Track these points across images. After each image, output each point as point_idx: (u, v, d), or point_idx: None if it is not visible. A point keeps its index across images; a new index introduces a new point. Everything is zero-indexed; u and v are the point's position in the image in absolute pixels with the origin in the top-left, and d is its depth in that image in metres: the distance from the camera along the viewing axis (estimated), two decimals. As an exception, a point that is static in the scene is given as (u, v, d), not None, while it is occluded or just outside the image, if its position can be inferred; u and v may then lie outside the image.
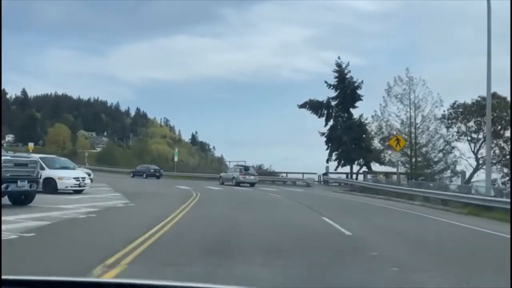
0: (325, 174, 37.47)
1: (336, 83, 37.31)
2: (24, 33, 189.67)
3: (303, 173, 37.70)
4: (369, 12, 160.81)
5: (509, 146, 29.31)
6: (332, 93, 37.88)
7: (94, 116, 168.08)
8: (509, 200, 14.09)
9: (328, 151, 37.72)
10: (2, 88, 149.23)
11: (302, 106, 38.24)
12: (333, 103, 37.74)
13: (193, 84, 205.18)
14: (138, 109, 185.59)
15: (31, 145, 64.78)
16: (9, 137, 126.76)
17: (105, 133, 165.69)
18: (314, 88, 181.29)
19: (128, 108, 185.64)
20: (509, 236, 9.45)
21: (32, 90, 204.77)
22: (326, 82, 37.53)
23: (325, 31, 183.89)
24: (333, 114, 37.52)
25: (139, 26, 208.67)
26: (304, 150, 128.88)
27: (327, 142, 37.81)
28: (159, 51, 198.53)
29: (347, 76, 37.07)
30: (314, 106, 37.75)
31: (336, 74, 37.21)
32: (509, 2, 16.88)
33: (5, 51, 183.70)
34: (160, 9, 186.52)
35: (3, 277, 1.38)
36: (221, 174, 35.00)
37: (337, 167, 37.19)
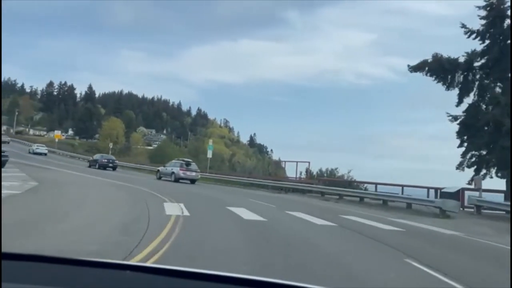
0: (458, 191, 19.93)
1: (484, 28, 20.27)
2: (99, 34, 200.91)
3: (428, 187, 21.17)
4: (441, 16, 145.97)
5: None
6: (475, 45, 20.91)
7: (155, 114, 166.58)
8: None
9: (461, 148, 20.74)
10: (71, 83, 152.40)
11: (417, 68, 21.69)
12: (476, 63, 20.77)
13: (254, 86, 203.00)
14: (199, 109, 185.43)
15: (57, 133, 55.32)
16: (72, 131, 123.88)
17: (164, 131, 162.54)
18: (380, 93, 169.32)
19: (190, 107, 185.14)
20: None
21: (101, 87, 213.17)
22: (463, 26, 20.62)
23: (391, 35, 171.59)
24: (477, 81, 20.57)
25: (206, 29, 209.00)
26: (369, 159, 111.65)
27: (461, 133, 20.91)
28: (223, 54, 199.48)
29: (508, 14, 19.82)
30: (439, 69, 21.03)
31: (485, 13, 20.14)
32: None
33: (80, 52, 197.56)
34: (226, 13, 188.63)
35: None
36: (159, 168, 30.47)
37: (483, 177, 19.90)
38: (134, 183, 21.13)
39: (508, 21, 19.93)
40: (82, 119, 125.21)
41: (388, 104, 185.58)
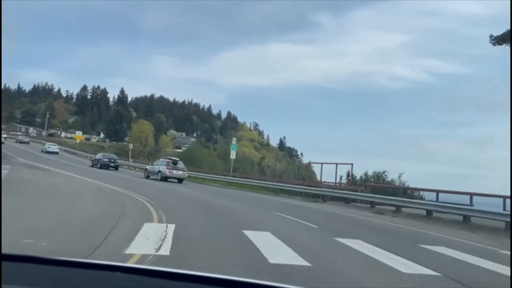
0: None
1: None
2: (134, 41, 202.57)
3: (503, 197, 15.64)
4: (476, 16, 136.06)
5: None
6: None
7: (186, 117, 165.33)
8: None
9: None
10: (104, 87, 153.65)
11: (501, 39, 16.16)
12: None
13: (284, 90, 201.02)
14: (229, 113, 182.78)
15: (78, 134, 52.82)
16: (103, 134, 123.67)
17: (194, 134, 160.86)
18: (413, 95, 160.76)
19: (220, 111, 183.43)
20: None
21: (133, 92, 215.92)
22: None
23: (424, 36, 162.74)
24: None
25: (237, 33, 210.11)
26: (406, 162, 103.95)
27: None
28: (254, 57, 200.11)
29: None
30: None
31: None
32: None
33: (114, 57, 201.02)
34: (258, 17, 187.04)
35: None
36: (147, 167, 30.23)
37: None
38: (123, 185, 16.97)
39: None
40: (112, 121, 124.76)
41: (421, 106, 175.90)
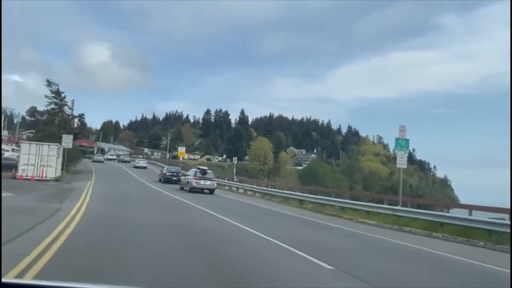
0: None
1: None
2: (253, 66, 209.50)
3: None
4: None
5: None
6: None
7: (305, 134, 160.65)
8: None
9: None
10: (225, 110, 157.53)
11: None
12: None
13: (408, 100, 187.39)
14: (349, 127, 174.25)
15: (181, 150, 48.70)
16: (225, 154, 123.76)
17: (314, 151, 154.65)
18: None
19: (340, 126, 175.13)
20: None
21: (254, 113, 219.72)
22: None
23: None
24: None
25: (355, 47, 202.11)
26: None
27: None
28: (373, 70, 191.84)
29: None
30: None
31: None
32: None
33: (236, 83, 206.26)
34: (375, 28, 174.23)
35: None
36: (181, 178, 28.25)
37: None
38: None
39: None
40: (232, 140, 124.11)
41: None
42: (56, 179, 24.82)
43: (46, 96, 36.97)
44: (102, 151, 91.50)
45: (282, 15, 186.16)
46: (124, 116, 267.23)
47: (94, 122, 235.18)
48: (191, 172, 25.97)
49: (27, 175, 24.07)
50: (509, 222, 11.11)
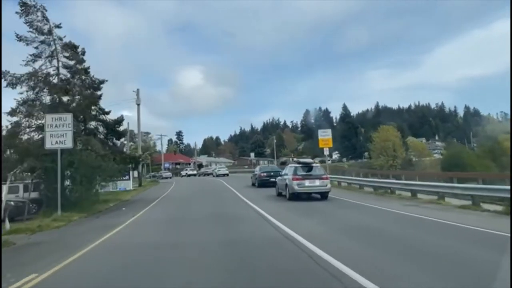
0: None
1: None
2: (343, 62, 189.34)
3: None
4: None
5: None
6: None
7: (421, 121, 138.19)
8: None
9: None
10: (325, 107, 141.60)
11: None
12: None
13: None
14: (467, 107, 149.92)
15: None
16: (335, 155, 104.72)
17: (436, 137, 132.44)
18: None
19: (455, 107, 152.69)
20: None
21: (353, 109, 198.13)
22: None
23: None
24: None
25: (448, 24, 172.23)
26: None
27: None
28: (474, 44, 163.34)
29: None
30: None
31: None
32: None
33: (328, 83, 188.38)
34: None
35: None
36: (277, 179, 20.05)
37: None
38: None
39: None
40: (346, 136, 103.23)
41: None
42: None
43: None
44: (200, 166, 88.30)
45: (362, 5, 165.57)
46: (224, 131, 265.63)
47: (196, 140, 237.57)
48: (289, 169, 17.59)
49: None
50: None
